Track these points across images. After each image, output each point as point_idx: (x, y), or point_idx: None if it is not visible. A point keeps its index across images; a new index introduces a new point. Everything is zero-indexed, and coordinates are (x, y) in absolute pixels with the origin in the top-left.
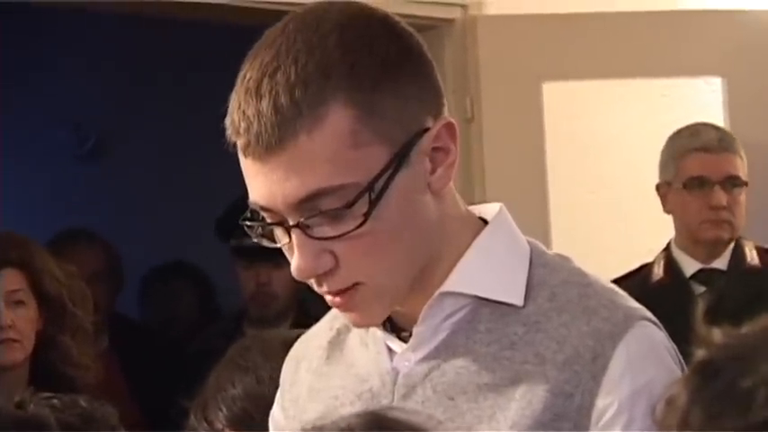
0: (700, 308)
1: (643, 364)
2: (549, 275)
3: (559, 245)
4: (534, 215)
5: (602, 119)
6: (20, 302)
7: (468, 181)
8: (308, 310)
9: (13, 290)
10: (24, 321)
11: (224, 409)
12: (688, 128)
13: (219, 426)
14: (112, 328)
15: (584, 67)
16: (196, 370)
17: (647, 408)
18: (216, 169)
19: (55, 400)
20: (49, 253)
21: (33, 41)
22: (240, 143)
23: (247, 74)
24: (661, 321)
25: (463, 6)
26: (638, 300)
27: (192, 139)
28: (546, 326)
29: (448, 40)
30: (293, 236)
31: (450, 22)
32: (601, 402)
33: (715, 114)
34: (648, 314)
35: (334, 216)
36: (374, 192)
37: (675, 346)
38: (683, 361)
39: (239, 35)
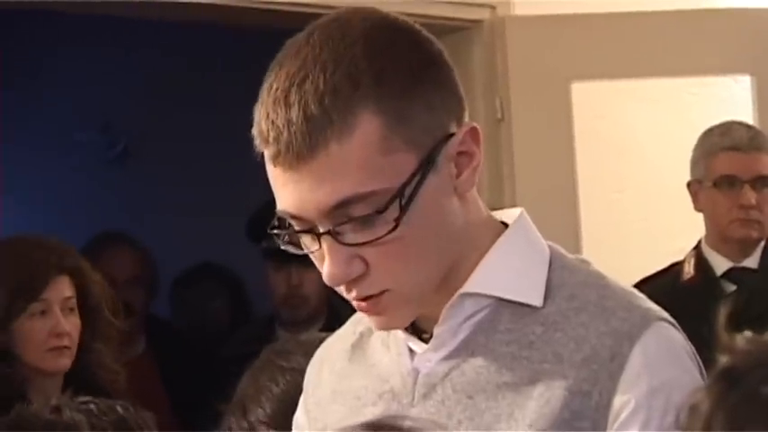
0: (722, 314)
1: (660, 363)
2: (568, 277)
3: (589, 244)
4: (564, 214)
5: (632, 118)
6: (71, 310)
7: (498, 181)
8: (338, 312)
9: (68, 297)
10: (74, 329)
11: (267, 408)
12: (720, 126)
13: (262, 426)
14: (149, 332)
15: (612, 66)
16: (228, 372)
17: (664, 407)
18: (246, 171)
19: (92, 406)
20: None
21: (64, 45)
22: (269, 153)
23: (274, 84)
24: (691, 320)
25: (492, 7)
26: (668, 298)
27: (222, 142)
28: (564, 325)
29: (477, 41)
30: (324, 243)
31: (478, 23)
32: (618, 401)
33: (745, 112)
34: (666, 315)
35: (365, 222)
36: (404, 197)
37: (694, 347)
38: (701, 362)
39: (270, 39)
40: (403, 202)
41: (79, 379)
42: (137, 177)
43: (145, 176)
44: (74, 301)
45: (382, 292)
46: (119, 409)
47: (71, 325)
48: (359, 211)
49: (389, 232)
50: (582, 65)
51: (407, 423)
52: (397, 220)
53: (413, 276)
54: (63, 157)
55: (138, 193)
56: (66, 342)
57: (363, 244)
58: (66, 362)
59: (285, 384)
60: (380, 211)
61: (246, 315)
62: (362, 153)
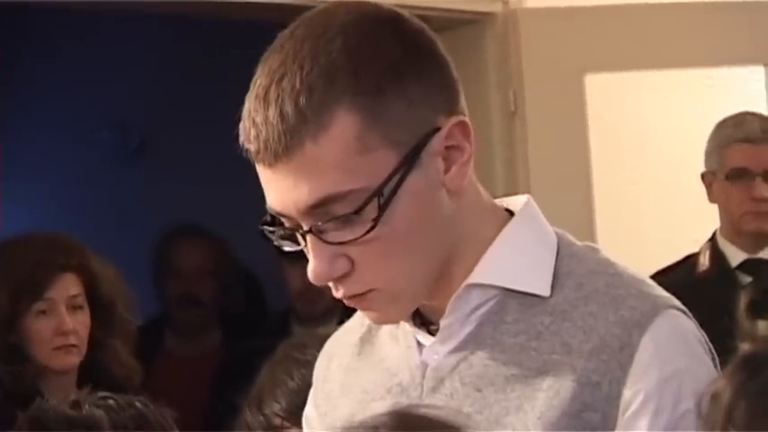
0: (743, 302)
1: (670, 352)
2: (576, 266)
3: (604, 236)
4: (578, 207)
5: (646, 109)
6: (79, 307)
7: (512, 173)
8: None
9: (74, 295)
10: (82, 326)
11: (282, 402)
12: (733, 117)
13: (277, 420)
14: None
15: (626, 58)
16: (244, 367)
17: (675, 396)
18: None
19: (111, 401)
20: (97, 256)
21: (78, 43)
22: (251, 150)
23: (258, 80)
24: (707, 311)
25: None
26: (684, 290)
27: (237, 138)
28: (572, 315)
29: (489, 33)
30: (308, 241)
31: (491, 15)
32: (628, 392)
33: (759, 103)
34: (676, 302)
35: (346, 221)
36: (383, 196)
37: (711, 339)
38: (713, 349)
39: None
40: (381, 201)
41: (94, 375)
42: (152, 173)
43: (160, 172)
44: (81, 298)
45: (369, 291)
46: (138, 404)
47: (78, 323)
48: (339, 210)
49: (368, 232)
50: (595, 56)
51: (425, 410)
52: (376, 220)
53: (400, 274)
54: (78, 155)
55: (154, 190)
56: (72, 340)
57: (346, 243)
58: (73, 360)
59: (301, 378)
60: (358, 211)
61: (262, 310)
62: (338, 152)
